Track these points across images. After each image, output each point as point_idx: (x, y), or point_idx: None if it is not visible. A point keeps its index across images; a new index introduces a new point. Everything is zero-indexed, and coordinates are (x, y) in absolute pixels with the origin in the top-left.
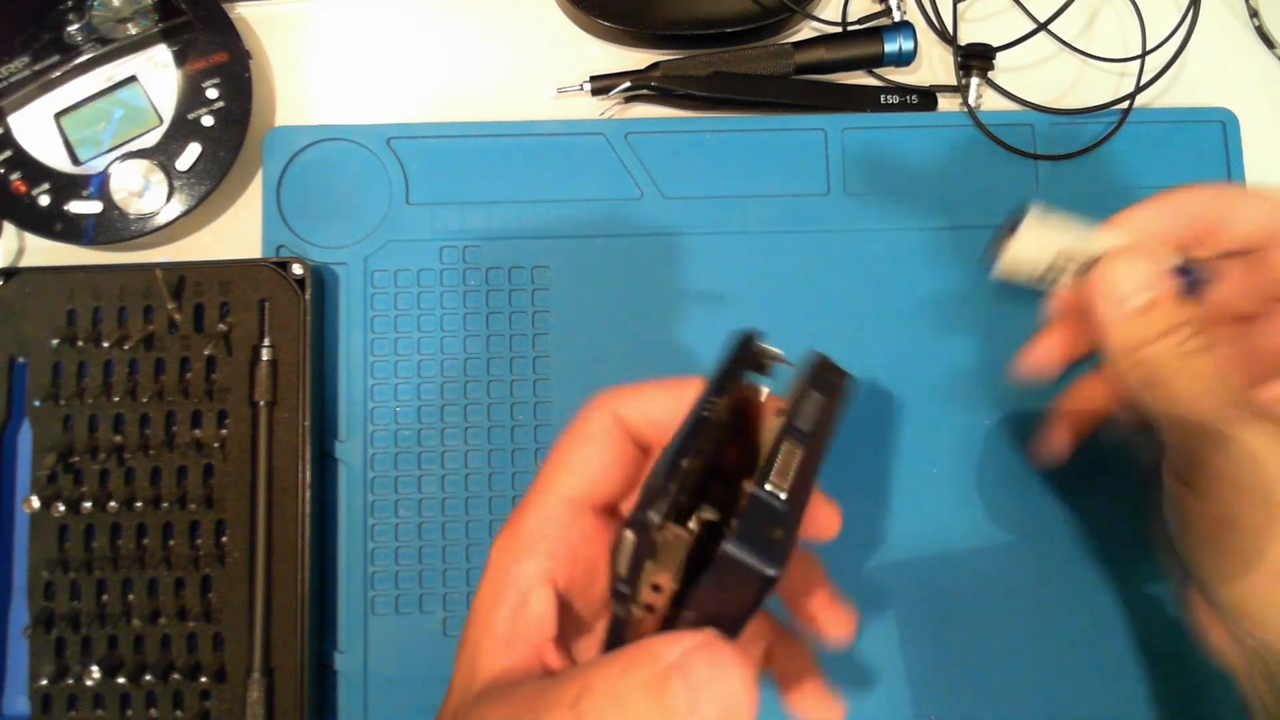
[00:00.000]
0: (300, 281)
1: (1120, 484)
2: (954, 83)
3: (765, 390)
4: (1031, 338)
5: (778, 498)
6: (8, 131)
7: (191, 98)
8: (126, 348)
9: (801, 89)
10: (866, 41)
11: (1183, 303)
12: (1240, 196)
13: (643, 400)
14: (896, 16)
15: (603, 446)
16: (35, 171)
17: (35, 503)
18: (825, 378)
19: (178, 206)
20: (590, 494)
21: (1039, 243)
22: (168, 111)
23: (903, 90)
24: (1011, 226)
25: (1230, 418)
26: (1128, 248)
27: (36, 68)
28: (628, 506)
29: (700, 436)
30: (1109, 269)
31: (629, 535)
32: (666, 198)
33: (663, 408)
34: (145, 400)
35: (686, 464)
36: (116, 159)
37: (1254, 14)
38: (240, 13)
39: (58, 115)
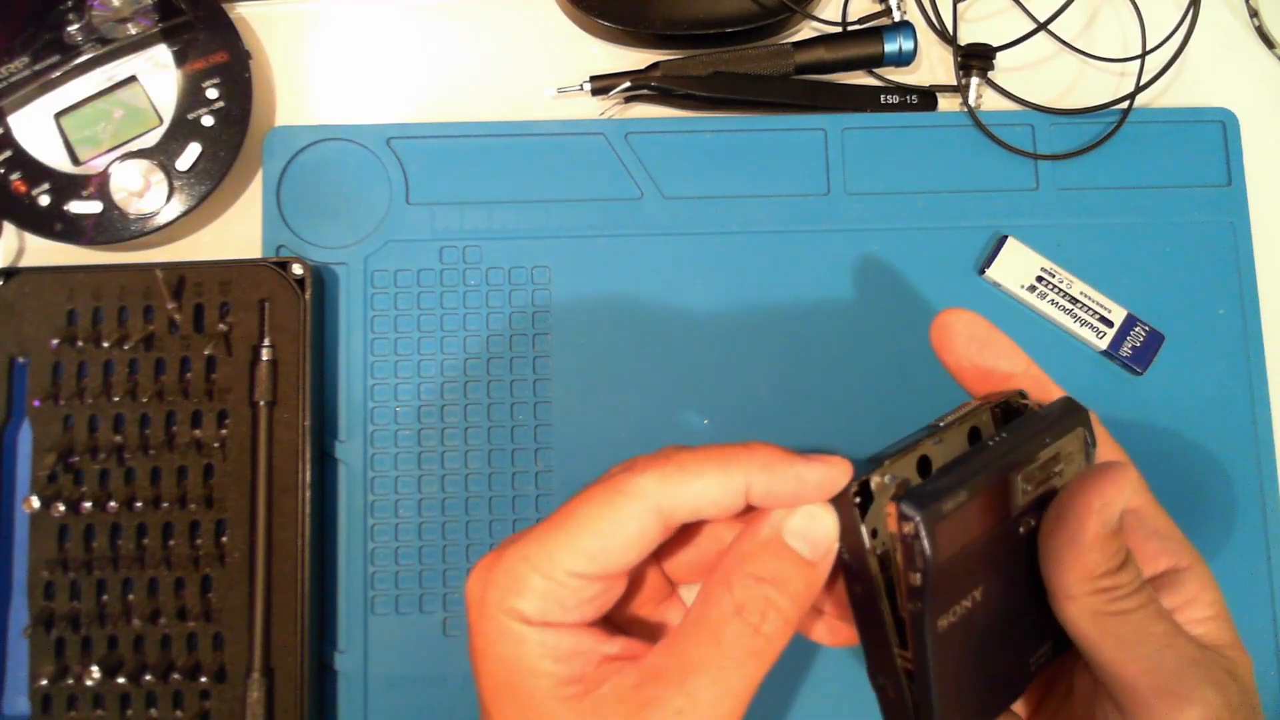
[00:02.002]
0: (300, 281)
1: None
2: (954, 83)
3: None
4: None
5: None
6: (8, 131)
7: (191, 98)
8: (126, 348)
9: (801, 89)
10: (866, 41)
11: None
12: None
13: (694, 492)
14: (896, 16)
15: (633, 539)
16: (35, 171)
17: (35, 503)
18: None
19: (178, 206)
20: (600, 574)
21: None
22: (168, 111)
23: (903, 90)
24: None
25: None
26: (1115, 464)
27: (36, 68)
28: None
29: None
30: (1104, 478)
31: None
32: (666, 198)
33: (715, 500)
34: (145, 400)
35: None
36: (116, 159)
37: (1254, 14)
38: (240, 13)
39: (58, 115)
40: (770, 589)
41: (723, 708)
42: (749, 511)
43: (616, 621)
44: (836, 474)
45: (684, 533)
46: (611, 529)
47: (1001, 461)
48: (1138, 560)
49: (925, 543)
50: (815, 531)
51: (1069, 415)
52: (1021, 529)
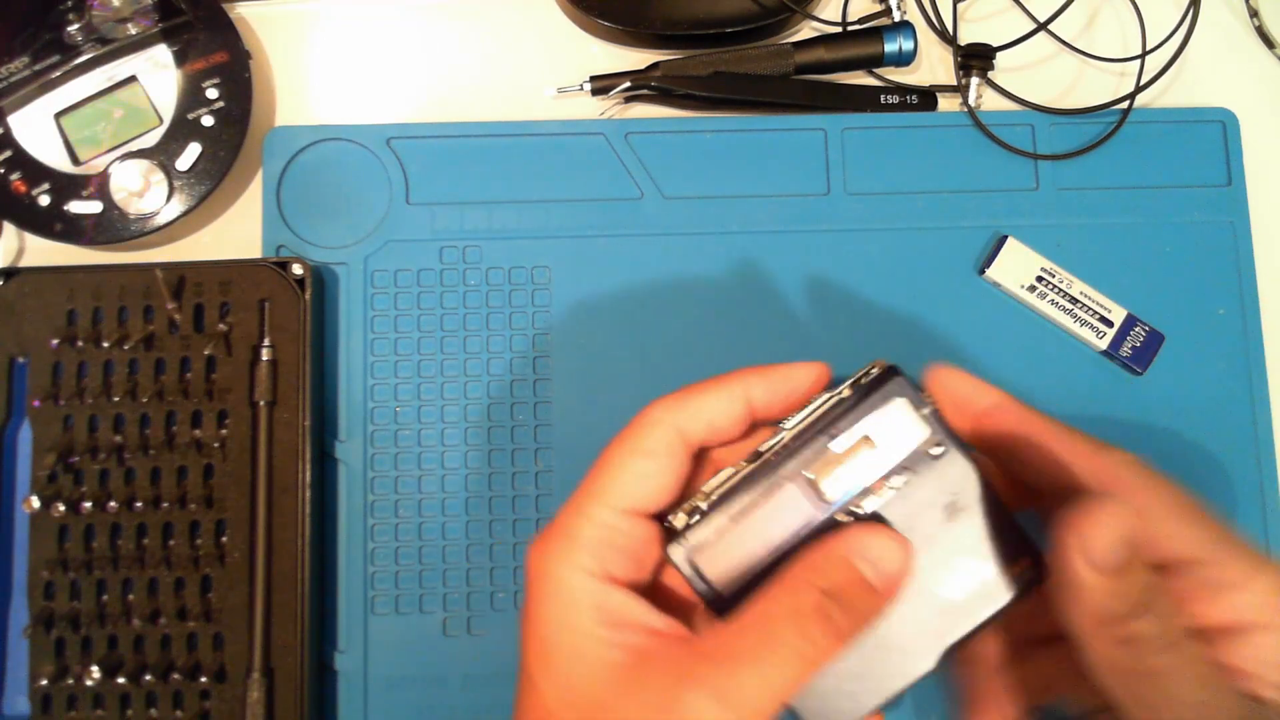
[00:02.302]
0: (300, 281)
1: None
2: (954, 83)
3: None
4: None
5: None
6: (8, 131)
7: (191, 98)
8: (126, 348)
9: (801, 89)
10: (866, 41)
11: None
12: (1184, 516)
13: (704, 409)
14: (896, 16)
15: (663, 463)
16: (35, 171)
17: (35, 503)
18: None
19: (178, 206)
20: (645, 507)
21: None
22: (168, 111)
23: (903, 90)
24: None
25: None
26: (1099, 497)
27: (36, 68)
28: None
29: None
30: (1095, 515)
31: None
32: (666, 198)
33: (723, 412)
34: (145, 400)
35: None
36: (116, 159)
37: (1254, 14)
38: (240, 13)
39: (58, 115)
40: (830, 602)
41: (761, 699)
42: (754, 432)
43: (669, 607)
44: (820, 368)
45: None
46: (642, 459)
47: (777, 471)
48: (1182, 603)
49: (690, 573)
50: (884, 560)
51: (873, 391)
52: (853, 517)
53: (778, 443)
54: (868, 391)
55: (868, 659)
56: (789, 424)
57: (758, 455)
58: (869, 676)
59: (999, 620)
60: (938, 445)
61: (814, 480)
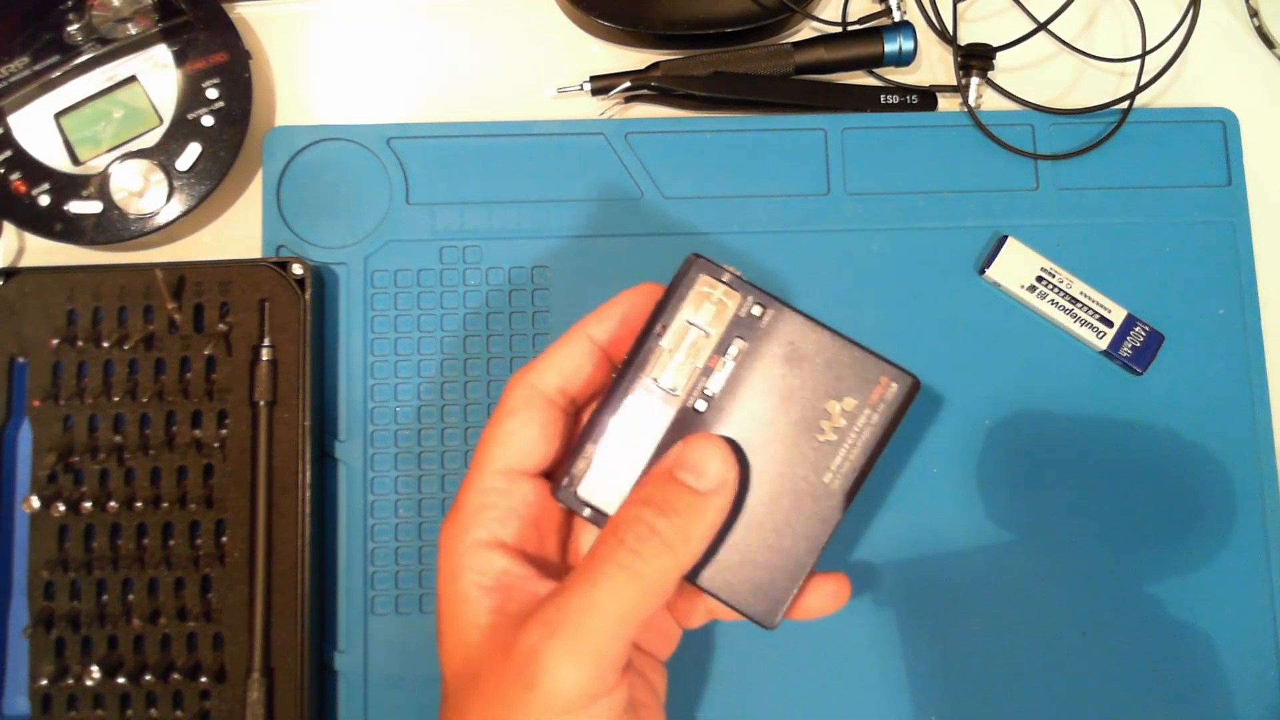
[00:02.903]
0: (300, 281)
1: (1120, 484)
2: (954, 83)
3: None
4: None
5: None
6: (8, 131)
7: (191, 98)
8: (126, 348)
9: (801, 89)
10: (866, 41)
11: None
12: None
13: (552, 360)
14: (896, 16)
15: (527, 418)
16: (35, 171)
17: (35, 503)
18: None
19: (178, 206)
20: (523, 464)
21: None
22: (168, 111)
23: (903, 90)
24: None
25: None
26: None
27: (36, 68)
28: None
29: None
30: None
31: None
32: (666, 198)
33: (570, 356)
34: (145, 400)
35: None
36: (116, 159)
37: (1254, 14)
38: (240, 13)
39: (58, 115)
40: (651, 513)
41: (589, 621)
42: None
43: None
44: (648, 287)
45: None
46: (506, 419)
47: (622, 384)
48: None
49: (576, 506)
50: (704, 463)
51: (678, 281)
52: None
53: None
54: (674, 284)
55: (775, 534)
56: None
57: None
58: (784, 549)
59: (887, 441)
60: (756, 306)
61: (656, 379)
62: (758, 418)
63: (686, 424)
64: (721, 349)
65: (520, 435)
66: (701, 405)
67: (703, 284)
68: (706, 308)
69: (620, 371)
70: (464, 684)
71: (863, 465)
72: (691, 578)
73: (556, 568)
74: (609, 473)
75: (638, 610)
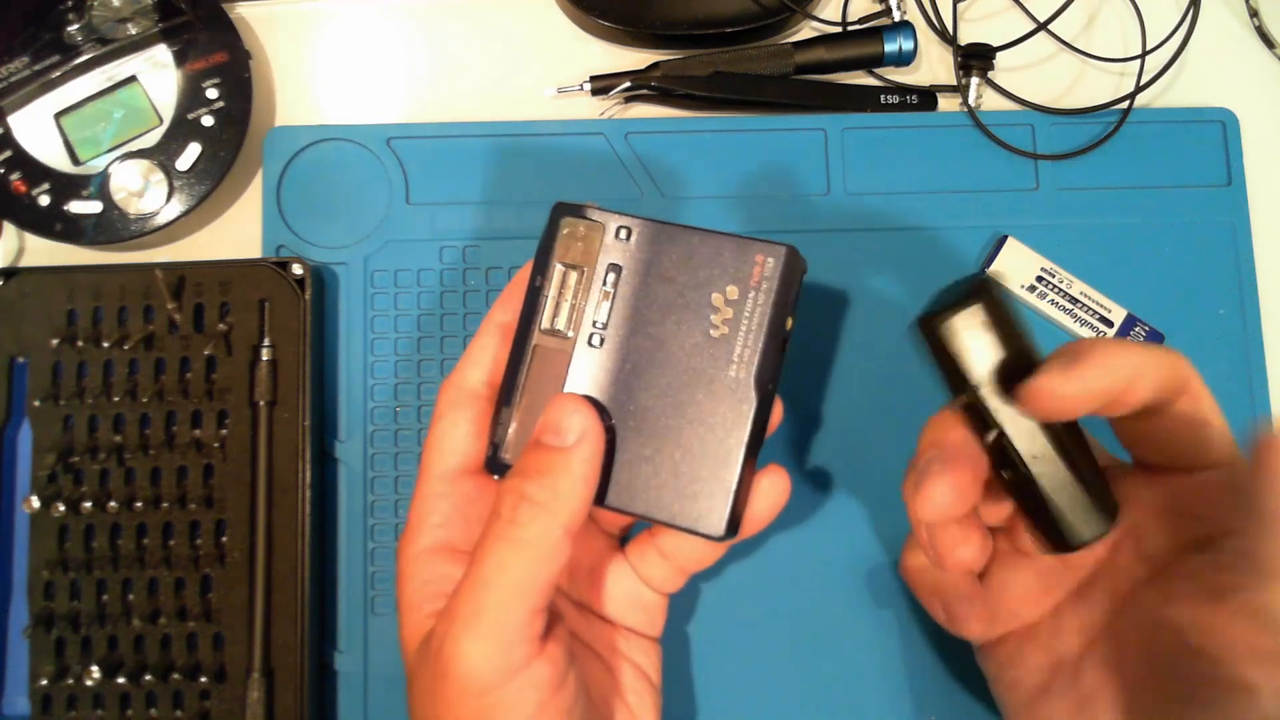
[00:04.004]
0: (300, 281)
1: None
2: (954, 83)
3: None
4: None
5: None
6: (8, 131)
7: (191, 98)
8: (126, 348)
9: (801, 89)
10: (866, 41)
11: None
12: (1145, 356)
13: (471, 357)
14: (896, 16)
15: (455, 418)
16: (35, 171)
17: (35, 503)
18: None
19: (178, 206)
20: (461, 463)
21: (974, 339)
22: (168, 111)
23: (903, 90)
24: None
25: None
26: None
27: (36, 68)
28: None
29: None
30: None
31: None
32: (666, 198)
33: (490, 355)
34: (145, 400)
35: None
36: (116, 159)
37: (1254, 14)
38: (240, 13)
39: (58, 115)
40: (521, 481)
41: (484, 598)
42: None
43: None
44: (522, 271)
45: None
46: (439, 424)
47: (522, 343)
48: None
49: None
50: (563, 420)
51: (548, 229)
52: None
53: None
54: (546, 232)
55: (695, 441)
56: None
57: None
58: (707, 453)
59: (784, 316)
60: (621, 230)
61: (546, 328)
62: (652, 334)
63: (586, 363)
64: (600, 279)
65: (451, 436)
66: (596, 340)
67: (565, 226)
68: (576, 246)
69: (517, 331)
70: (409, 688)
71: (764, 347)
72: (617, 504)
73: None
74: (527, 431)
75: (530, 577)
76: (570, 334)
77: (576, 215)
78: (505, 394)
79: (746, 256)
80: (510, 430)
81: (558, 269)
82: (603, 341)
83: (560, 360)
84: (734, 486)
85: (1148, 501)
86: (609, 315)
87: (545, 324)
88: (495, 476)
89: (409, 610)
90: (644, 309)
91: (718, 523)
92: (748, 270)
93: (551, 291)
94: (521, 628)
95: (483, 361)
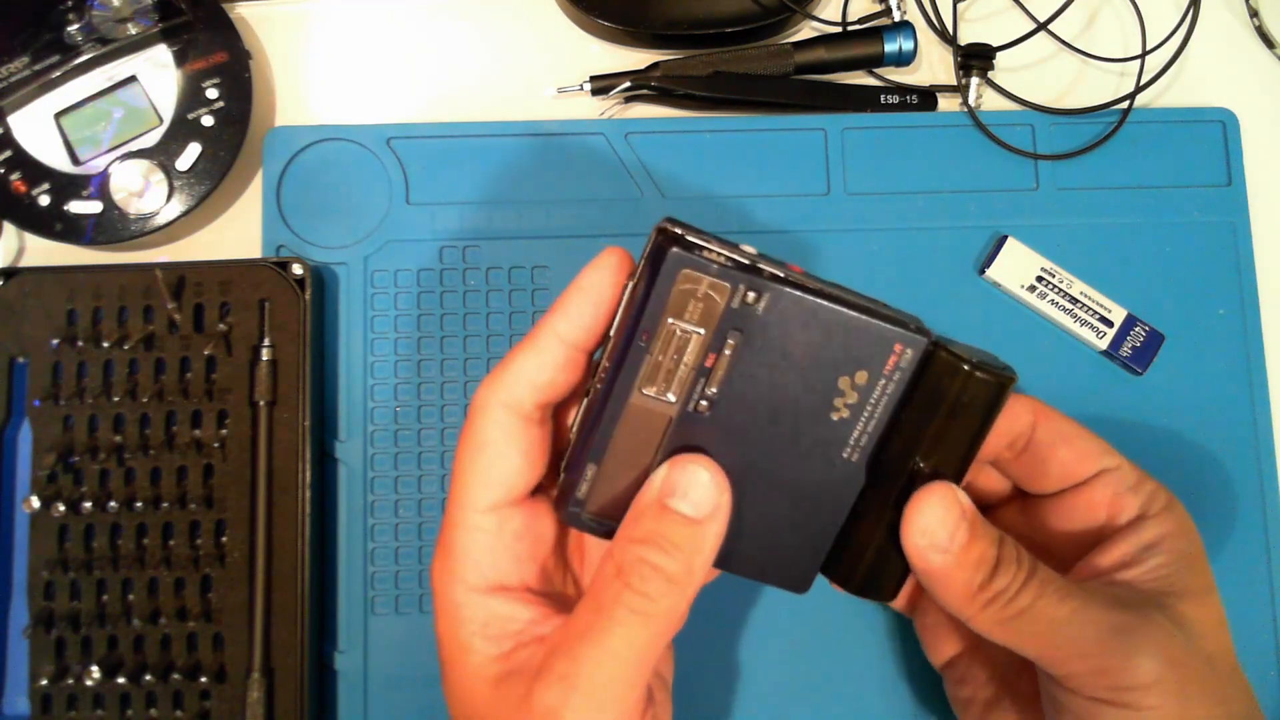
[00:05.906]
0: (300, 281)
1: None
2: (954, 83)
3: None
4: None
5: None
6: (8, 131)
7: (191, 98)
8: (126, 348)
9: (801, 89)
10: (866, 41)
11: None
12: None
13: (522, 373)
14: (896, 16)
15: (504, 448)
16: (35, 171)
17: (35, 503)
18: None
19: (178, 206)
20: (509, 496)
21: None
22: (168, 111)
23: (903, 90)
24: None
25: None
26: (936, 486)
27: (36, 68)
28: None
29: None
30: (918, 508)
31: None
32: (666, 198)
33: (543, 365)
34: (145, 400)
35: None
36: (116, 159)
37: (1254, 14)
38: (240, 13)
39: (58, 115)
40: (647, 549)
41: (606, 671)
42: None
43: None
44: (610, 262)
45: None
46: (482, 453)
47: (610, 399)
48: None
49: (592, 527)
50: (694, 489)
51: (655, 275)
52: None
53: (600, 367)
54: (651, 278)
55: (797, 513)
56: (613, 334)
57: (592, 388)
58: (807, 524)
59: (906, 399)
60: (750, 293)
61: (647, 391)
62: (765, 409)
63: (688, 426)
64: (715, 345)
65: (500, 468)
66: (702, 406)
67: (684, 281)
68: (693, 306)
69: (607, 382)
70: None
71: (882, 433)
72: (720, 565)
73: (559, 590)
74: (614, 488)
75: (653, 648)
76: (672, 400)
77: (698, 267)
78: (588, 446)
79: (884, 343)
80: (594, 486)
81: (668, 328)
82: (710, 406)
83: (658, 422)
84: (823, 556)
85: (1033, 525)
86: (719, 384)
87: (643, 385)
88: (574, 528)
89: (464, 652)
90: (760, 382)
91: (805, 585)
92: (882, 358)
93: (656, 351)
94: (640, 698)
95: (536, 380)
